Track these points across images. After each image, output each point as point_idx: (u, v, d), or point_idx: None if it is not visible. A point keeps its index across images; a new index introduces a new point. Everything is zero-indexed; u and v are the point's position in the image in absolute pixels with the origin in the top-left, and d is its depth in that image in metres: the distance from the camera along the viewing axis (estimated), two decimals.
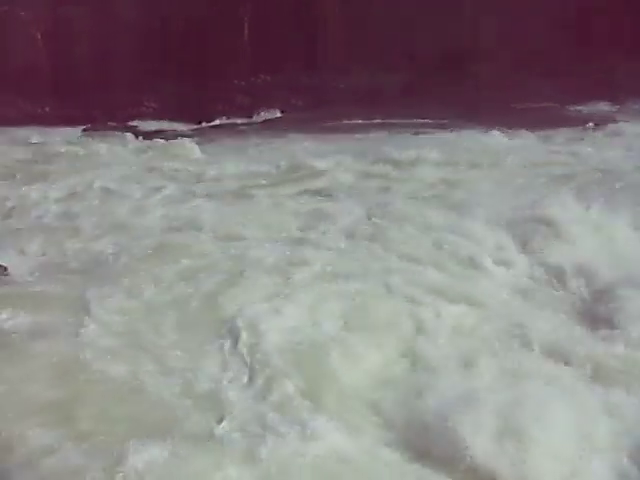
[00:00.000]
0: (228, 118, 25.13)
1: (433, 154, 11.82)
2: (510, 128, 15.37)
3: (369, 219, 8.10)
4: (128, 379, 4.71)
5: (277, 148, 15.76)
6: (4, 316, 5.61)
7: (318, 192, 9.99)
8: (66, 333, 5.38)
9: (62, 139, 20.35)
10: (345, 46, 27.40)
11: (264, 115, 25.58)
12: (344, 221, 8.12)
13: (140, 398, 4.50)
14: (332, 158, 11.90)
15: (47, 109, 33.92)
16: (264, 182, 10.80)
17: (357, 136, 17.81)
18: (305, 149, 14.81)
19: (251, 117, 25.43)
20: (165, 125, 24.50)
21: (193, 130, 23.31)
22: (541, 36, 25.55)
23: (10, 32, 40.15)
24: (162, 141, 17.74)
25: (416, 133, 17.86)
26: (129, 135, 20.18)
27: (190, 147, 14.95)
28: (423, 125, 18.92)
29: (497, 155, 12.14)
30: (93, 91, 32.06)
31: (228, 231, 7.93)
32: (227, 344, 5.22)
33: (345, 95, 25.39)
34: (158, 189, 10.68)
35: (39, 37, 38.38)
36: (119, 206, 9.50)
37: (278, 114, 25.85)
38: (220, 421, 4.25)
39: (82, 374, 4.73)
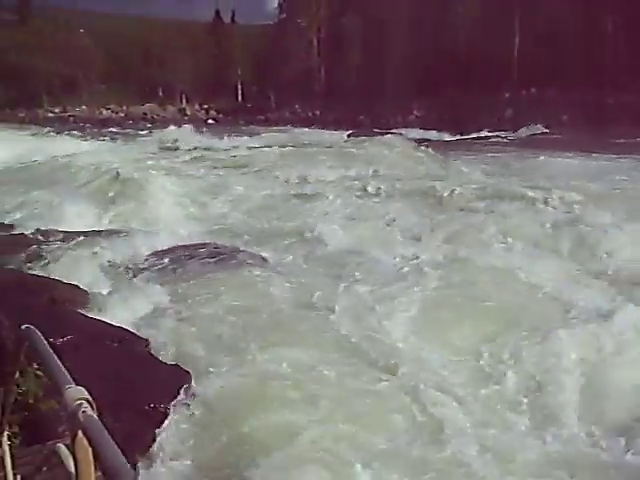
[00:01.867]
0: (492, 131, 24.69)
1: None
2: None
3: None
4: None
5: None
6: None
7: None
8: None
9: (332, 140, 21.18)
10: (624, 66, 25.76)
11: (528, 130, 24.86)
12: None
13: None
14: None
15: (318, 112, 36.26)
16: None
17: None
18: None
19: (515, 131, 24.84)
20: (428, 134, 24.64)
21: (454, 141, 23.30)
22: None
23: (288, 39, 43.57)
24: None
25: None
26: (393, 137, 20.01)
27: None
28: None
29: None
30: (362, 97, 33.61)
31: None
32: None
33: (618, 113, 23.76)
34: None
35: (315, 44, 41.17)
36: None
37: (542, 129, 24.96)
38: None
39: None
